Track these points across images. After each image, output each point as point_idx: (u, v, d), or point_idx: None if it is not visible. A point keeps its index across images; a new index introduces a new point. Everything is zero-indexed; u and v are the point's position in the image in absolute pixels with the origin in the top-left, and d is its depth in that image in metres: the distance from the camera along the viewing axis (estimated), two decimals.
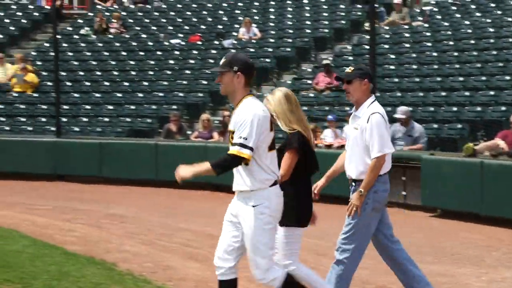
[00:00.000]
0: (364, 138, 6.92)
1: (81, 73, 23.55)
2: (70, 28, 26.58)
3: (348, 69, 7.19)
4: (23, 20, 27.30)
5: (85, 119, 21.43)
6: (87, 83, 23.01)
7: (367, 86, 7.06)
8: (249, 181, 6.15)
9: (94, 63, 23.98)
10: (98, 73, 23.52)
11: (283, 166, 6.65)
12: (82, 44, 25.01)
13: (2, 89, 22.76)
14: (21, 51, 25.11)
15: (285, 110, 6.74)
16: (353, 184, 6.99)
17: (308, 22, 24.07)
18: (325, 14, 24.22)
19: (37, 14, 27.74)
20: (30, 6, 28.56)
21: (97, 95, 22.45)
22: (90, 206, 14.75)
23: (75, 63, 23.82)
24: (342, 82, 7.21)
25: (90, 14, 27.70)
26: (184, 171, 6.14)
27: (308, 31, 23.42)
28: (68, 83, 22.70)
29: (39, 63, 24.18)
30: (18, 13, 27.78)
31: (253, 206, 6.15)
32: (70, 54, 24.27)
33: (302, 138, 6.71)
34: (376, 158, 6.83)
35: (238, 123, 6.11)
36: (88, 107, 21.77)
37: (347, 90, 7.12)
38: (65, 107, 21.49)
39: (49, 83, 22.79)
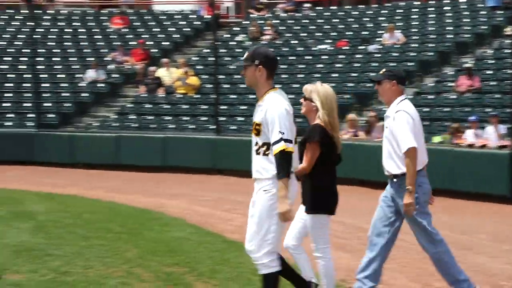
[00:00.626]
0: (392, 137, 6.88)
1: (237, 76, 23.90)
2: (228, 35, 27.02)
3: (380, 72, 7.20)
4: (186, 29, 27.97)
5: (241, 118, 21.76)
6: (243, 85, 23.34)
7: (396, 87, 7.00)
8: (265, 170, 6.06)
9: None
10: None
11: (305, 159, 6.66)
12: (238, 50, 25.37)
13: (168, 91, 23.39)
14: (184, 56, 25.73)
15: (333, 105, 6.81)
16: (394, 180, 6.91)
17: (449, 28, 23.59)
18: (466, 19, 23.68)
19: (198, 23, 28.36)
20: (192, 16, 29.21)
21: (251, 96, 22.73)
22: (247, 198, 14.96)
23: (232, 67, 24.19)
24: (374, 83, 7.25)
25: (245, 22, 28.08)
26: (281, 208, 5.94)
27: (450, 36, 22.93)
28: (226, 85, 23.10)
29: (200, 67, 24.72)
30: (181, 22, 28.50)
31: (264, 191, 6.09)
32: (228, 59, 24.67)
33: (323, 130, 6.71)
34: (404, 154, 6.75)
35: (270, 121, 6.00)
36: (243, 107, 22.09)
37: (378, 91, 7.14)
38: (223, 107, 21.90)
39: (208, 86, 23.27)
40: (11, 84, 24.88)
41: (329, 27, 26.20)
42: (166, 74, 23.93)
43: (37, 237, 10.06)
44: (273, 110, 6.00)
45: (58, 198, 13.70)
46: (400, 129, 6.79)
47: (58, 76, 24.87)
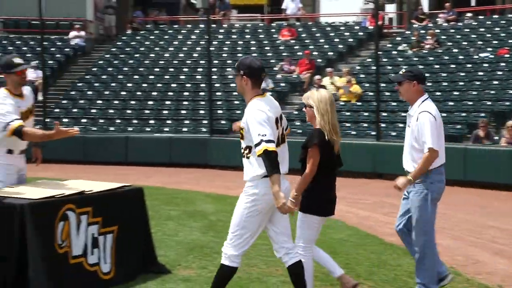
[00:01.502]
0: (415, 136, 6.79)
1: None
2: (390, 45, 26.68)
3: (400, 72, 6.99)
4: (350, 39, 27.87)
5: (401, 125, 21.38)
6: None
7: (417, 87, 6.89)
8: (246, 172, 6.18)
9: None
10: None
11: (308, 165, 6.53)
12: (400, 59, 24.99)
13: None
14: (348, 66, 25.64)
15: (328, 109, 6.55)
16: None
17: None
18: None
19: (361, 33, 28.17)
20: (356, 27, 29.07)
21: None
22: None
23: (393, 75, 23.87)
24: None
25: (407, 32, 27.63)
26: (279, 204, 5.97)
27: None
28: (387, 93, 22.79)
29: (362, 76, 24.54)
30: (346, 33, 28.41)
31: (243, 191, 6.23)
32: (389, 67, 24.34)
33: (322, 135, 6.52)
34: (428, 151, 6.66)
35: (250, 124, 6.05)
36: (404, 114, 21.64)
37: (399, 91, 7.03)
38: (384, 114, 21.62)
39: (370, 93, 23.05)
40: (188, 93, 25.69)
41: (490, 35, 25.33)
42: (330, 82, 23.93)
43: (207, 236, 10.27)
44: (251, 115, 6.08)
45: (228, 200, 13.94)
46: (423, 130, 6.71)
47: (231, 85, 25.42)
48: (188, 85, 26.07)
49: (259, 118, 6.04)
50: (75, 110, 25.56)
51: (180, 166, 21.38)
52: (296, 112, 23.42)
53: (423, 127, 6.73)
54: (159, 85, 26.21)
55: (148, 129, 23.94)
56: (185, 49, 28.87)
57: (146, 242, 7.83)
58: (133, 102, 25.60)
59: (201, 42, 28.68)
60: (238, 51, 28.05)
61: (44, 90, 25.36)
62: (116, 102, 25.89)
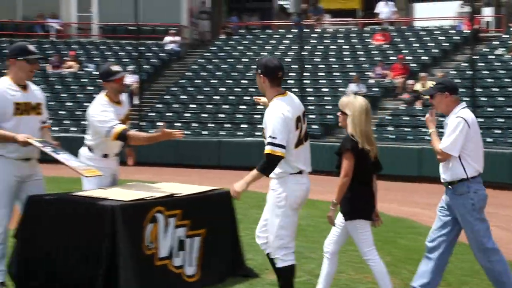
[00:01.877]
0: None
1: (495, 89, 22.95)
2: (486, 49, 26.00)
3: (431, 85, 6.54)
4: (445, 43, 27.32)
5: (498, 131, 20.85)
6: (500, 99, 22.36)
7: (449, 98, 6.73)
8: (276, 171, 6.22)
9: (507, 80, 23.22)
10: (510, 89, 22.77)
11: (342, 171, 6.47)
12: (497, 63, 24.35)
13: (425, 104, 22.91)
14: (442, 70, 25.13)
15: (363, 118, 6.48)
16: (449, 187, 6.75)
17: None
18: None
19: (457, 37, 27.56)
20: (452, 31, 28.49)
21: (509, 109, 21.72)
22: (500, 210, 14.26)
23: (490, 80, 23.27)
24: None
25: (505, 36, 26.89)
26: (238, 185, 6.21)
27: None
28: (483, 99, 22.23)
29: (457, 81, 23.96)
30: (440, 37, 27.87)
31: (272, 190, 6.32)
32: (486, 72, 23.75)
33: (353, 141, 6.46)
34: (441, 150, 6.64)
35: (267, 124, 6.15)
36: (501, 120, 21.16)
37: (432, 104, 6.88)
38: (480, 119, 20.66)
39: (465, 98, 22.47)
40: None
41: None
42: (423, 87, 23.50)
43: (297, 240, 10.17)
44: (269, 115, 6.17)
45: (318, 204, 13.84)
46: (448, 132, 6.62)
47: (322, 90, 25.29)
48: None
49: (275, 121, 6.12)
50: (169, 114, 25.94)
51: None
52: (389, 117, 23.11)
53: (449, 130, 6.65)
54: (251, 89, 26.30)
55: (240, 133, 24.08)
56: (278, 53, 28.91)
57: (234, 245, 7.84)
58: (225, 106, 25.80)
59: (293, 47, 28.65)
60: (330, 56, 27.90)
61: (140, 94, 25.85)
62: (209, 106, 26.14)
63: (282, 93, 6.34)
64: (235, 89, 26.65)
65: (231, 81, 27.46)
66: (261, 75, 6.30)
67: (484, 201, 6.72)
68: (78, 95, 27.01)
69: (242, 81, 27.14)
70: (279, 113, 6.14)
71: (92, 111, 7.22)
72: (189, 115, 25.72)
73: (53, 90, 27.14)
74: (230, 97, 26.31)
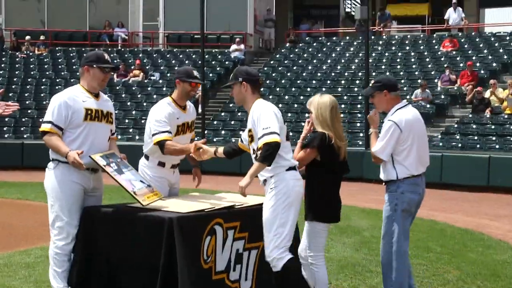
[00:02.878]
0: None
1: None
2: None
3: (369, 85, 6.77)
4: None
5: None
6: None
7: (388, 96, 6.68)
8: (266, 170, 6.20)
9: None
10: None
11: (295, 155, 6.50)
12: None
13: (494, 112, 22.36)
14: None
15: (327, 115, 6.50)
16: (384, 185, 6.78)
17: None
18: None
19: None
20: None
21: None
22: None
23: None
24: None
25: None
26: (242, 182, 6.14)
27: None
28: None
29: None
30: (511, 43, 27.23)
31: (271, 189, 6.21)
32: None
33: (325, 139, 6.44)
34: (372, 153, 6.66)
35: (256, 120, 6.18)
36: None
37: (374, 104, 6.83)
38: None
39: None
40: (345, 106, 25.33)
41: None
42: (493, 94, 22.91)
43: (360, 253, 9.93)
44: (256, 111, 6.24)
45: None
46: (381, 136, 6.60)
47: None
48: (345, 97, 25.75)
49: (266, 114, 6.18)
50: (232, 122, 25.86)
51: (351, 180, 20.95)
52: (456, 125, 22.58)
53: (382, 134, 6.62)
54: None
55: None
56: (343, 61, 28.61)
57: None
58: (289, 114, 25.59)
59: (359, 54, 28.32)
60: (397, 63, 27.48)
61: (203, 102, 25.86)
62: None
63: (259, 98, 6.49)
64: (300, 97, 26.42)
65: (295, 89, 27.25)
66: (243, 82, 6.37)
67: (408, 204, 6.64)
68: (143, 104, 27.16)
69: (307, 89, 26.91)
70: (268, 108, 6.27)
71: (154, 109, 7.03)
72: None
73: (119, 99, 27.37)
74: (295, 105, 26.08)
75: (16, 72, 29.64)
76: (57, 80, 28.89)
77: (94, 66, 6.61)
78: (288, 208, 6.24)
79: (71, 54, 31.51)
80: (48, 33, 32.51)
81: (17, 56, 31.00)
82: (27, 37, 31.55)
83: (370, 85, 6.99)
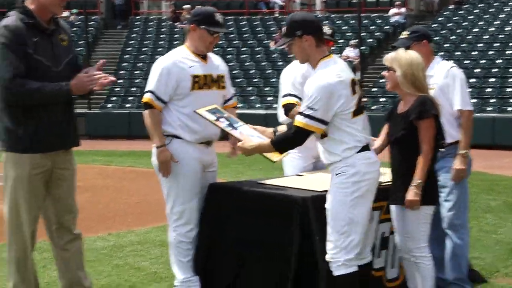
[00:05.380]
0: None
1: None
2: None
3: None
4: None
5: None
6: None
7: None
8: (335, 150, 4.87)
9: None
10: None
11: (425, 139, 5.04)
12: None
13: None
14: None
15: (419, 75, 5.13)
16: None
17: None
18: None
19: None
20: None
21: None
22: None
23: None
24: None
25: None
26: (244, 144, 5.03)
27: None
28: None
29: None
30: None
31: (337, 175, 4.89)
32: None
33: (433, 103, 5.12)
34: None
35: (307, 90, 4.81)
36: None
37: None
38: None
39: None
40: (497, 70, 23.38)
41: None
42: None
43: None
44: (312, 82, 4.82)
45: None
46: (459, 89, 5.86)
47: None
48: (499, 61, 23.72)
49: (319, 87, 4.76)
50: (374, 89, 24.49)
51: (505, 148, 19.30)
52: None
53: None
54: (482, 61, 24.20)
55: (489, 107, 22.05)
56: (509, 28, 26.49)
57: None
58: None
59: None
60: None
61: (362, 69, 24.71)
62: None
63: (327, 55, 4.98)
64: (464, 61, 24.62)
65: (459, 53, 25.47)
66: (303, 36, 4.86)
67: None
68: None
69: (472, 53, 25.06)
70: (326, 79, 4.79)
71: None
72: None
73: (275, 66, 26.67)
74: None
75: (175, 43, 29.65)
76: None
77: (201, 27, 5.62)
78: (358, 200, 4.90)
79: (228, 23, 31.14)
80: (206, 3, 32.29)
81: (175, 27, 31.01)
82: (186, 6, 31.45)
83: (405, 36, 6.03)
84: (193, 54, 5.66)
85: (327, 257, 4.99)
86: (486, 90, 22.83)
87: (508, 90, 22.64)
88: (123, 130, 23.26)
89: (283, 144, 4.96)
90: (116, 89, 26.78)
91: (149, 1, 35.35)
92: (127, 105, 25.22)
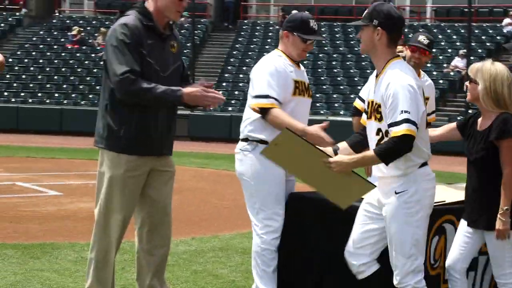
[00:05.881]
0: None
1: None
2: None
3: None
4: None
5: None
6: None
7: None
8: (396, 163, 4.46)
9: None
10: None
11: (507, 161, 4.64)
12: None
13: None
14: None
15: (504, 91, 4.71)
16: None
17: None
18: None
19: None
20: None
21: None
22: None
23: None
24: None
25: None
26: (340, 161, 4.54)
27: None
28: None
29: None
30: None
31: (398, 193, 4.51)
32: None
33: None
34: None
35: (392, 95, 4.38)
36: None
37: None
38: None
39: None
40: None
41: None
42: None
43: None
44: (396, 84, 4.41)
45: None
46: None
47: None
48: None
49: (407, 90, 4.40)
50: None
51: None
52: None
53: None
54: None
55: None
56: None
57: None
58: None
59: None
60: None
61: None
62: None
63: (396, 56, 4.62)
64: None
65: None
66: (379, 28, 4.51)
67: None
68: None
69: None
70: (408, 82, 4.44)
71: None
72: None
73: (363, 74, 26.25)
74: None
75: None
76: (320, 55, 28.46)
77: (295, 34, 5.41)
78: (421, 220, 4.58)
79: (335, 29, 30.93)
80: (314, 8, 32.15)
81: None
82: (294, 12, 31.39)
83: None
84: (290, 60, 5.49)
85: (395, 283, 4.70)
86: None
87: None
88: (224, 132, 23.45)
89: (390, 155, 4.46)
90: (221, 88, 27.02)
91: (257, 6, 35.50)
92: (230, 108, 25.36)
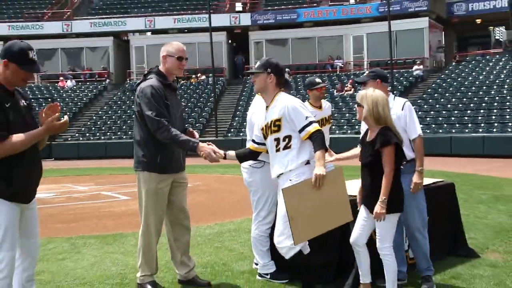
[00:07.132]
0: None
1: None
2: None
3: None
4: None
5: None
6: None
7: (380, 85, 4.71)
8: (290, 162, 4.28)
9: None
10: None
11: (389, 163, 4.14)
12: None
13: None
14: None
15: (377, 112, 4.20)
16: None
17: None
18: None
19: None
20: None
21: None
22: None
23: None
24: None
25: None
26: (319, 170, 4.12)
27: None
28: None
29: None
30: None
31: (290, 181, 4.26)
32: None
33: (393, 132, 4.20)
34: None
35: (291, 110, 4.26)
36: None
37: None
38: None
39: None
40: (484, 104, 21.93)
41: None
42: None
43: None
44: (292, 103, 4.30)
45: None
46: (412, 119, 4.76)
47: None
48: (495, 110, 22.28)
49: (299, 105, 4.30)
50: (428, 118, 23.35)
51: (492, 157, 17.97)
52: None
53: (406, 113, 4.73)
54: (475, 98, 22.83)
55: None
56: (492, 76, 24.98)
57: (456, 229, 5.90)
58: (456, 112, 22.65)
59: (506, 68, 24.45)
60: None
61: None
62: (444, 112, 23.14)
63: (280, 90, 4.45)
64: (466, 112, 23.31)
65: (461, 94, 24.17)
66: (271, 74, 4.35)
67: None
68: (343, 111, 25.64)
69: (468, 93, 23.71)
70: (298, 101, 4.35)
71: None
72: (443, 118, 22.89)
73: (337, 108, 26.12)
74: (460, 106, 23.07)
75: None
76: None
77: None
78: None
79: (298, 80, 30.78)
80: (291, 66, 31.99)
81: None
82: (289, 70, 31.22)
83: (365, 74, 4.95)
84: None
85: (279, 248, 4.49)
86: (479, 118, 21.56)
87: (493, 117, 21.32)
88: None
89: (322, 142, 4.25)
90: (234, 123, 26.88)
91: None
92: (241, 134, 25.16)
